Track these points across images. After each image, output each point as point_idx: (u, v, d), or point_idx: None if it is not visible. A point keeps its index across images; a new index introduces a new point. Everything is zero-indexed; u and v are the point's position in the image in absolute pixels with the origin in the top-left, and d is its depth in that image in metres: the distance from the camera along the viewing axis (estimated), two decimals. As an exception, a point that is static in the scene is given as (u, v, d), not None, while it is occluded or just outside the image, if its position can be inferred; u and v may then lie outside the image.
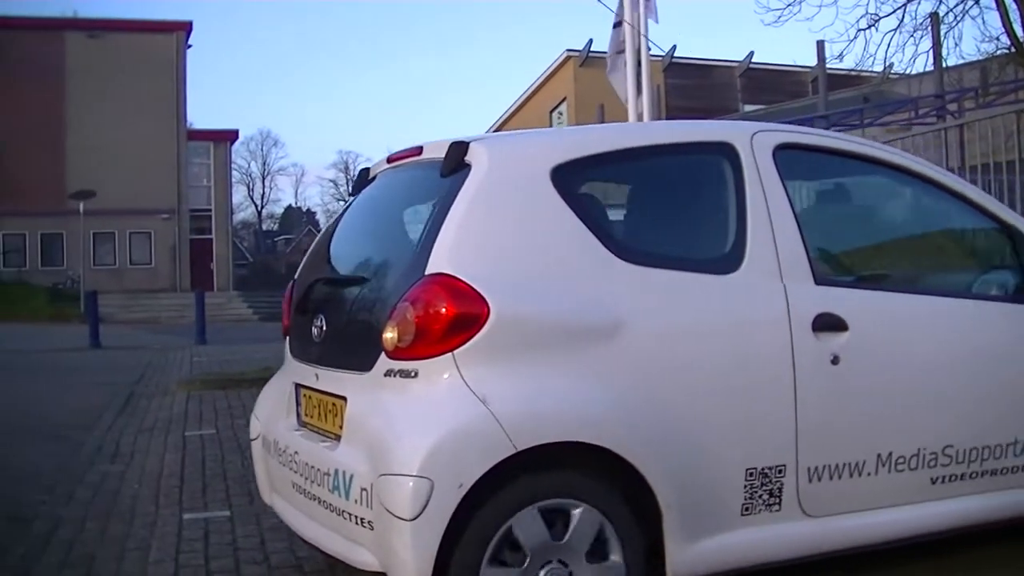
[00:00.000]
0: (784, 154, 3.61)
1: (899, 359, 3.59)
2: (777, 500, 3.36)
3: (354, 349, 3.33)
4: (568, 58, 32.45)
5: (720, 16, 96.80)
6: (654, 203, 3.61)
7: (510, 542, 2.97)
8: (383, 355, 3.12)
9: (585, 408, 3.07)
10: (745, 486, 3.31)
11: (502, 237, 3.17)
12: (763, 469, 3.33)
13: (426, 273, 3.06)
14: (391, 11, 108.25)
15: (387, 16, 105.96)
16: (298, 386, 3.77)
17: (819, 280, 3.50)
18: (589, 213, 3.29)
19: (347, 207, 4.19)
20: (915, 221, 4.13)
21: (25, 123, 36.63)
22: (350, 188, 4.34)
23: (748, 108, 27.26)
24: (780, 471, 3.36)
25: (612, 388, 3.12)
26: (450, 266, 3.05)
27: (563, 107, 33.17)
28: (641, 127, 5.54)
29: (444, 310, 2.99)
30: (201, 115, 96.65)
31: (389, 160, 3.93)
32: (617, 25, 9.12)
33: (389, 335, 3.08)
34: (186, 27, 41.10)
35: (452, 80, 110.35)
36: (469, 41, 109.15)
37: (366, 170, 4.16)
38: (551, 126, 31.19)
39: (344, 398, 3.32)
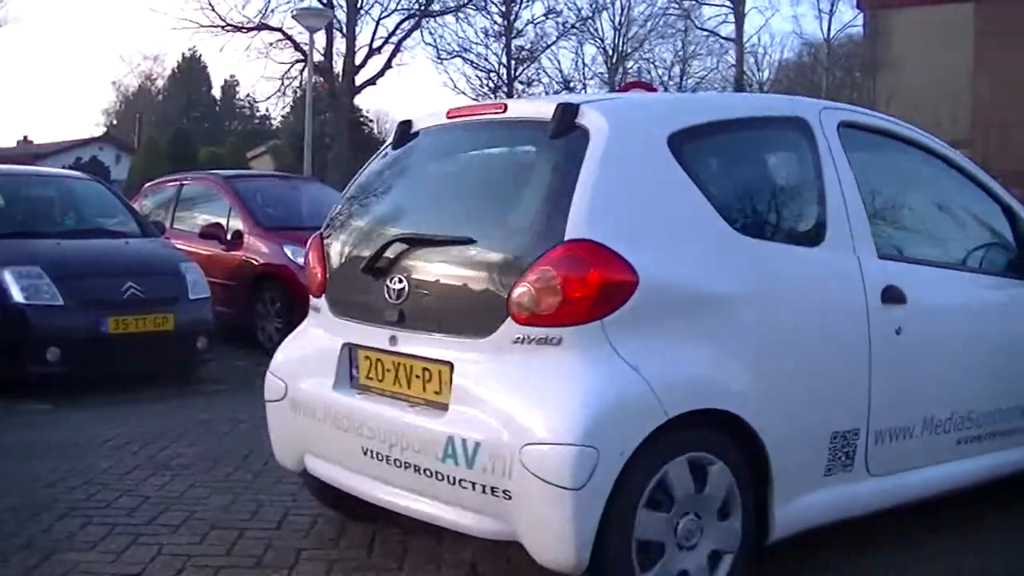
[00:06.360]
0: (845, 131, 3.78)
1: (944, 331, 3.86)
2: (851, 461, 3.56)
3: (462, 313, 3.24)
4: None
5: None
6: (747, 176, 3.68)
7: (662, 488, 3.05)
8: (509, 321, 3.05)
9: (721, 376, 3.17)
10: (829, 449, 3.48)
11: (633, 203, 3.16)
12: (843, 433, 3.51)
13: (566, 239, 3.00)
14: None
15: None
16: (354, 347, 3.60)
17: (881, 254, 3.70)
18: (704, 182, 3.31)
19: (389, 159, 3.99)
20: (942, 200, 4.40)
21: None
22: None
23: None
24: (855, 434, 3.55)
25: (737, 357, 3.22)
26: (592, 232, 3.01)
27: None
28: (730, 98, 5.53)
29: (594, 277, 2.95)
30: None
31: (449, 115, 3.78)
32: None
33: (524, 301, 3.01)
34: None
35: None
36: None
37: (407, 122, 3.97)
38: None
39: (448, 363, 3.21)
